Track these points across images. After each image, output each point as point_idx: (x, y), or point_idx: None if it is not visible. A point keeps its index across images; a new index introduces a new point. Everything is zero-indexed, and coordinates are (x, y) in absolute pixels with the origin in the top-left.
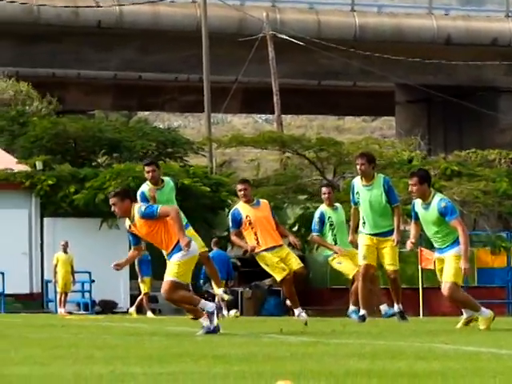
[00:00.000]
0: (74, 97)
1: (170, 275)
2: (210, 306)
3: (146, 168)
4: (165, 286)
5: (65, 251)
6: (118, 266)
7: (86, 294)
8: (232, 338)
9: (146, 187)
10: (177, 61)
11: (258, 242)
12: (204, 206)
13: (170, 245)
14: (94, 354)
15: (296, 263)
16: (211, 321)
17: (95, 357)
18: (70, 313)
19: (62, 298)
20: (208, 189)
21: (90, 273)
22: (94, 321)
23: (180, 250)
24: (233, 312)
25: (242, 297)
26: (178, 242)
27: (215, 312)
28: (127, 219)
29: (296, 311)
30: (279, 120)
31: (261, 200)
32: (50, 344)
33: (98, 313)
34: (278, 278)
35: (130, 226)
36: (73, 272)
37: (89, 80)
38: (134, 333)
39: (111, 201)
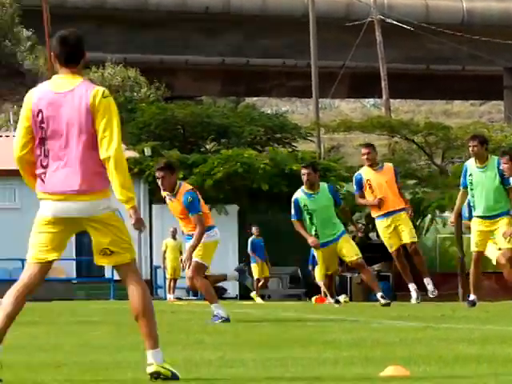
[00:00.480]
0: (182, 83)
1: (200, 256)
2: (220, 314)
3: (303, 170)
4: (192, 269)
5: (173, 237)
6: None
7: None
8: (341, 323)
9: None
10: (284, 46)
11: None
12: None
13: (193, 229)
14: (203, 340)
15: (408, 236)
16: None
17: (205, 342)
18: (179, 299)
19: (171, 284)
20: None
21: None
22: (203, 307)
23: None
24: (342, 297)
25: (351, 282)
26: (210, 227)
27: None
28: (163, 190)
29: (410, 286)
30: (387, 105)
31: (385, 164)
32: (160, 330)
33: (205, 299)
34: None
35: (165, 196)
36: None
37: (197, 66)
38: (243, 319)
39: (160, 173)
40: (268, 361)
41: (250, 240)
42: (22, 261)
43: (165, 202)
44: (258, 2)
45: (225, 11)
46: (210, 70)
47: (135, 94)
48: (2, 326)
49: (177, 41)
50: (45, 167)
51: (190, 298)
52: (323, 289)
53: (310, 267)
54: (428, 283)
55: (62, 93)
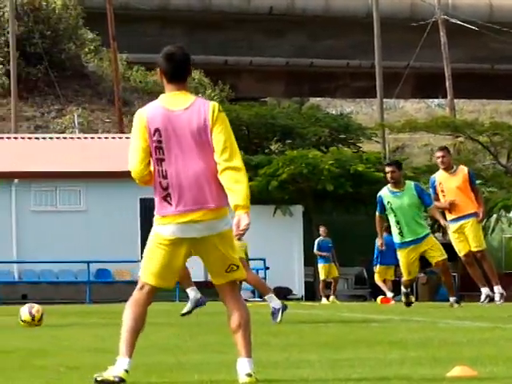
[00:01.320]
0: (247, 84)
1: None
2: (275, 307)
3: (387, 168)
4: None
5: (239, 238)
6: None
7: None
8: (408, 323)
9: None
10: (348, 46)
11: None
12: (377, 192)
13: None
14: (269, 341)
15: (474, 244)
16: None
17: (271, 344)
18: (246, 300)
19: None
20: (381, 175)
21: (264, 260)
22: (269, 308)
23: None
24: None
25: (417, 282)
26: None
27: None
28: None
29: (482, 290)
30: (452, 105)
31: (460, 167)
32: (227, 332)
33: None
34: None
35: None
36: (247, 259)
37: (261, 67)
38: (309, 320)
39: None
40: (334, 361)
41: (317, 240)
42: (88, 263)
43: None
44: (321, 3)
45: (289, 12)
46: (273, 70)
47: (200, 95)
48: (132, 338)
49: (241, 42)
50: (165, 189)
51: (256, 299)
52: (384, 289)
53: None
54: (496, 292)
55: (179, 110)
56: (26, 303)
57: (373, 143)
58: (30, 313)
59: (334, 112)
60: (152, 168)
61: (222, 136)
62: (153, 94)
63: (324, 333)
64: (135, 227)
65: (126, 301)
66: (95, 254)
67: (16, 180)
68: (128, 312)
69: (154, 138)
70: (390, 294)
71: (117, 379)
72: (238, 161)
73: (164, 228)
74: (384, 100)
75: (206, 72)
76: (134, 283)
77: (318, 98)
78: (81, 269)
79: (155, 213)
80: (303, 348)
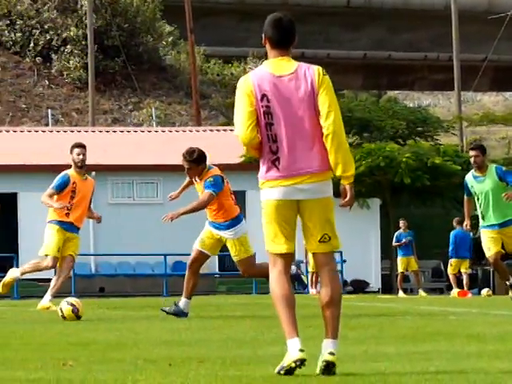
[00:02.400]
0: None
1: (238, 256)
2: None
3: (471, 152)
4: (242, 266)
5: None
6: (171, 198)
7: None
8: (485, 316)
9: None
10: (426, 39)
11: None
12: (455, 185)
13: (214, 217)
14: (347, 335)
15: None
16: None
17: (348, 337)
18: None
19: (314, 278)
20: (459, 167)
21: (341, 253)
22: (346, 300)
23: (230, 227)
24: (485, 291)
25: (493, 275)
26: (230, 220)
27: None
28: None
29: None
30: None
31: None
32: (303, 324)
33: (349, 292)
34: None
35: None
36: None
37: (338, 60)
38: (387, 313)
39: (187, 164)
40: (412, 354)
41: (396, 234)
42: (164, 255)
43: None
44: None
45: (366, 5)
46: (351, 63)
47: None
48: (290, 318)
49: (318, 35)
50: (275, 152)
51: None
52: (453, 283)
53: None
54: None
55: (285, 75)
56: (103, 296)
57: (450, 136)
58: (73, 310)
59: (411, 105)
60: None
61: (326, 99)
62: (230, 86)
63: (401, 326)
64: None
65: (202, 294)
66: (172, 247)
67: (93, 173)
68: (275, 293)
69: (262, 104)
70: (454, 290)
71: (298, 362)
72: (340, 125)
73: (271, 191)
74: (462, 93)
75: None
76: (210, 276)
77: (396, 91)
78: (157, 261)
79: (261, 177)
80: (381, 341)
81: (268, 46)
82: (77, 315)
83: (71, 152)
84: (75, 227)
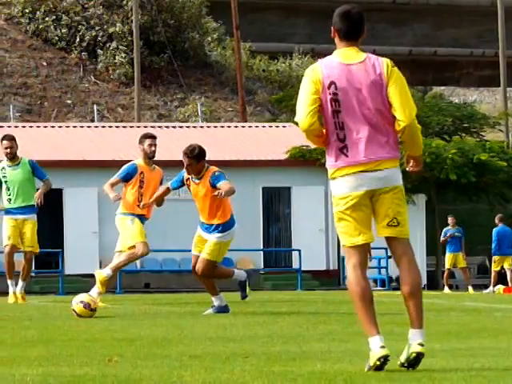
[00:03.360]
0: None
1: (209, 256)
2: (242, 275)
3: None
4: (203, 265)
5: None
6: (145, 206)
7: (383, 271)
8: None
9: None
10: (472, 35)
11: None
12: (501, 182)
13: (212, 219)
14: (393, 330)
15: None
16: (242, 290)
17: (395, 333)
18: None
19: None
20: (505, 164)
21: (386, 249)
22: (391, 297)
23: (223, 230)
24: None
25: None
26: (225, 222)
27: (247, 282)
28: (188, 174)
29: None
30: None
31: None
32: (349, 320)
33: (394, 289)
34: None
35: (188, 179)
36: (369, 249)
37: (384, 56)
38: (432, 309)
39: (187, 161)
40: (457, 351)
41: (444, 230)
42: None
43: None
44: None
45: (412, 1)
46: (397, 59)
47: None
48: (369, 315)
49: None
50: (342, 140)
51: (378, 288)
52: (493, 280)
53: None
54: None
55: (354, 64)
56: (148, 292)
57: (496, 132)
58: (85, 306)
59: (457, 101)
60: (317, 122)
61: (397, 91)
62: (276, 82)
63: (446, 322)
64: (257, 216)
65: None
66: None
67: None
68: (352, 289)
69: (330, 91)
70: (491, 288)
71: (382, 360)
72: (413, 116)
73: (339, 183)
74: (508, 89)
75: None
76: (255, 272)
77: (442, 87)
78: (184, 258)
79: (330, 166)
80: (426, 337)
81: (337, 38)
82: (90, 309)
83: (141, 143)
84: (145, 218)
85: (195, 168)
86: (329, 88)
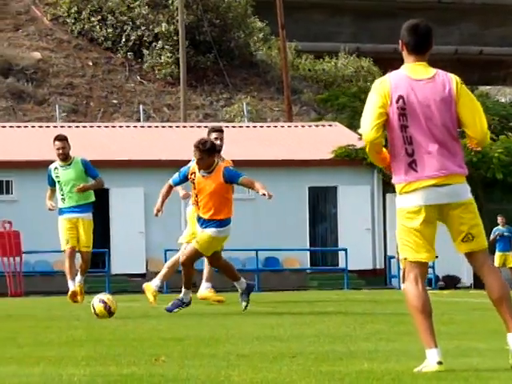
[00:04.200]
0: None
1: (198, 246)
2: (243, 285)
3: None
4: (189, 252)
5: None
6: (158, 211)
7: (430, 270)
8: None
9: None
10: None
11: None
12: None
13: (217, 214)
14: (440, 330)
15: None
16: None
17: (441, 332)
18: None
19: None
20: None
21: None
22: (438, 296)
23: (221, 226)
24: None
25: None
26: (226, 219)
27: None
28: (199, 169)
29: None
30: None
31: None
32: (395, 320)
33: (441, 288)
34: None
35: (193, 173)
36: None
37: (430, 55)
38: (479, 308)
39: (199, 154)
40: (504, 350)
41: (494, 229)
42: (256, 251)
43: None
44: None
45: (458, 0)
46: (442, 59)
47: (368, 83)
48: (428, 327)
49: None
50: (411, 155)
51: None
52: None
53: None
54: None
55: (423, 79)
56: (195, 292)
57: None
58: (105, 307)
59: (503, 100)
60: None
61: (468, 109)
62: (322, 82)
63: (493, 321)
64: (304, 215)
65: (293, 289)
66: (264, 242)
67: None
68: (412, 302)
69: (398, 105)
70: None
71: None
72: (485, 130)
73: (408, 197)
74: None
75: (375, 60)
76: (302, 271)
77: (488, 87)
78: (249, 257)
79: (396, 181)
80: (473, 336)
81: (405, 52)
82: (109, 312)
83: (208, 136)
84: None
85: (206, 162)
86: (397, 102)
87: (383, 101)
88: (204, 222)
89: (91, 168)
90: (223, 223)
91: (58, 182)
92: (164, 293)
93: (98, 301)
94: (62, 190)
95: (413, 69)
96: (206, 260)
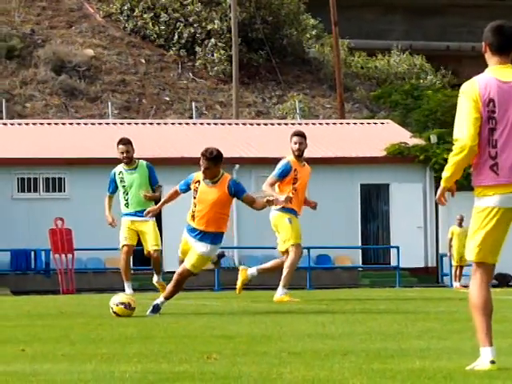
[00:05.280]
0: (468, 70)
1: (191, 265)
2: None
3: None
4: (183, 272)
5: (460, 225)
6: (149, 213)
7: None
8: None
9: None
10: None
11: None
12: None
13: (212, 226)
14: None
15: None
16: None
17: (494, 330)
18: (466, 286)
19: (458, 272)
20: None
21: None
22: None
23: (215, 242)
24: None
25: None
26: (221, 232)
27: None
28: (204, 178)
29: None
30: None
31: None
32: (447, 318)
33: (494, 286)
34: None
35: (198, 181)
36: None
37: (482, 53)
38: None
39: (206, 163)
40: None
41: None
42: (308, 249)
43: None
44: None
45: None
46: None
47: (421, 81)
48: (486, 326)
49: (462, 27)
50: (494, 158)
51: None
52: None
53: None
54: None
55: (511, 82)
56: (247, 289)
57: None
58: (126, 307)
59: None
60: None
61: None
62: (374, 79)
63: None
64: (356, 213)
65: (345, 287)
66: (315, 240)
67: (237, 166)
68: (475, 301)
69: (488, 109)
70: None
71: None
72: None
73: (486, 199)
74: None
75: (428, 57)
76: (353, 269)
77: None
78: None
79: (477, 184)
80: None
81: (488, 53)
82: (130, 308)
83: (290, 140)
84: (297, 213)
85: (213, 171)
86: (487, 105)
87: (476, 105)
88: (198, 234)
89: (155, 174)
90: (218, 238)
91: (123, 186)
92: (215, 290)
93: (115, 305)
94: (126, 194)
95: (500, 71)
96: (285, 264)
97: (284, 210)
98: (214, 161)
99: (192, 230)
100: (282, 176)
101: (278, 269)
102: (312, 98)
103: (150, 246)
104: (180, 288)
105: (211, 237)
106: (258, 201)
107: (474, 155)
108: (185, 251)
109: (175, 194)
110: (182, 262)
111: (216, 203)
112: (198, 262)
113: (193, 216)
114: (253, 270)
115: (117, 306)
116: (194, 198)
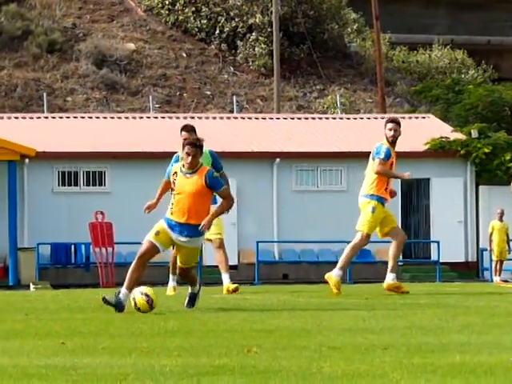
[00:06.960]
0: (510, 64)
1: (187, 265)
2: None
3: None
4: (181, 272)
5: (500, 219)
6: (148, 209)
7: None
8: None
9: None
10: None
11: None
12: None
13: (193, 218)
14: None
15: None
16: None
17: None
18: (506, 281)
19: (498, 267)
20: None
21: None
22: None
23: (197, 234)
24: None
25: None
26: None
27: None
28: (188, 167)
29: None
30: None
31: None
32: (488, 312)
33: None
34: None
35: (175, 173)
36: (508, 240)
37: (502, 46)
38: None
39: (192, 150)
40: None
41: None
42: (348, 243)
43: (492, 184)
44: None
45: None
46: None
47: (462, 75)
48: None
49: (504, 22)
50: None
51: None
52: None
53: None
54: None
55: None
56: (286, 283)
57: None
58: (148, 301)
59: None
60: None
61: None
62: (416, 74)
63: None
64: (396, 207)
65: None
66: (355, 234)
67: (278, 160)
68: None
69: None
70: None
71: None
72: None
73: None
74: None
75: (469, 52)
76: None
77: None
78: (341, 249)
79: None
80: None
81: None
82: (151, 306)
83: (384, 127)
84: (385, 201)
85: (196, 160)
86: None
87: None
88: (179, 228)
89: (218, 160)
90: (197, 231)
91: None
92: (255, 284)
93: (139, 294)
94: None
95: None
96: (390, 251)
97: (373, 197)
98: (200, 148)
99: (170, 221)
100: (387, 158)
101: (355, 255)
102: (353, 92)
103: (210, 234)
104: (186, 278)
105: (193, 229)
106: (225, 201)
107: None
108: (158, 233)
109: (168, 185)
110: (150, 246)
111: (195, 194)
112: (193, 255)
113: (171, 209)
114: (335, 272)
115: (141, 295)
116: (173, 190)
